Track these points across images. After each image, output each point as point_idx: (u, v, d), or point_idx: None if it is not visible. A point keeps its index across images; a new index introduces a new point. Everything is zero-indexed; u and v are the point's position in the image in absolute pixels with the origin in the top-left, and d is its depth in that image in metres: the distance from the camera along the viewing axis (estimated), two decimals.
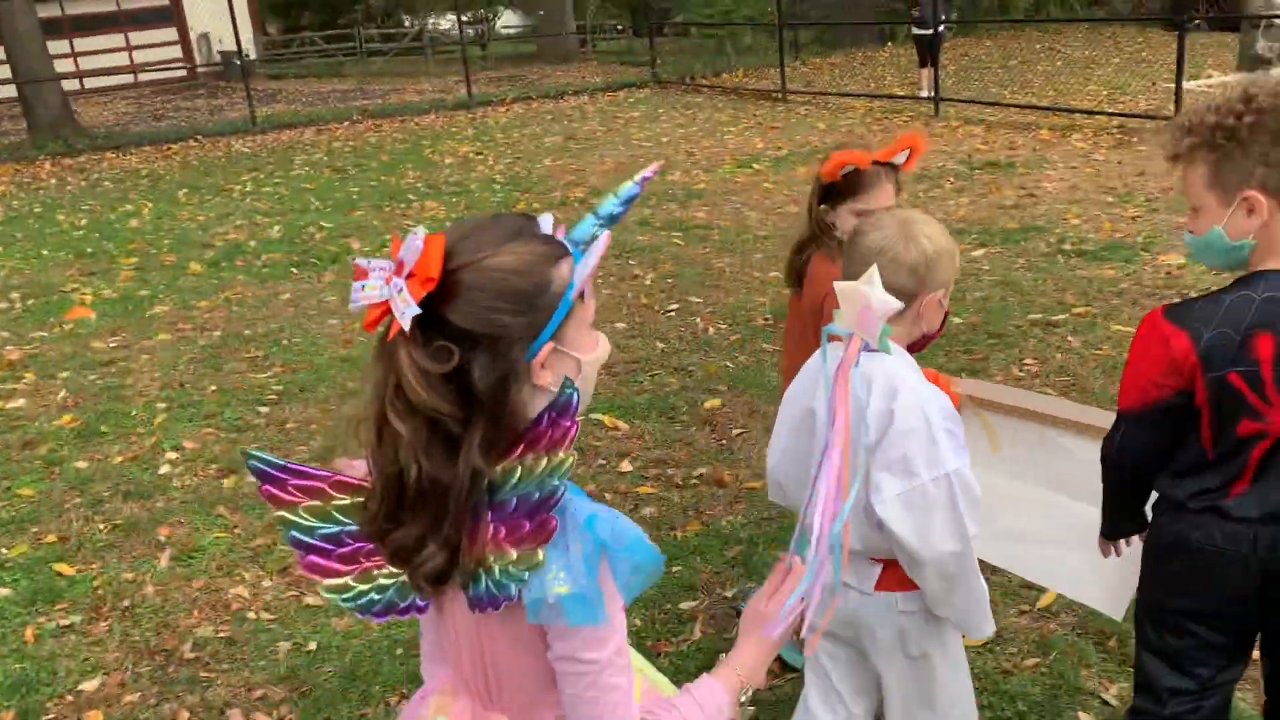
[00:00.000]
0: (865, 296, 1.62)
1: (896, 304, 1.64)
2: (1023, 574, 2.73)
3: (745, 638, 1.40)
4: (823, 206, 2.46)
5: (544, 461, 1.13)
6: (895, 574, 1.89)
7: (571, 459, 1.14)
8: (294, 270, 7.68)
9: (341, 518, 1.27)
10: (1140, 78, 13.96)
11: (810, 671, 2.16)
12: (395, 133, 14.99)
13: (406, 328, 1.09)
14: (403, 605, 1.28)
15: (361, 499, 1.25)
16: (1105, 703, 2.63)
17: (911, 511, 1.75)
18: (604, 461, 4.25)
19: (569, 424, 1.13)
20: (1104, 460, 1.90)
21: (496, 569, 1.14)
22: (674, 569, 3.35)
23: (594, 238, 1.20)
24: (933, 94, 12.99)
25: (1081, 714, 2.60)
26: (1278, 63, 10.60)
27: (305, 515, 1.27)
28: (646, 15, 23.15)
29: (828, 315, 1.84)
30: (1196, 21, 17.33)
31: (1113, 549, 2.06)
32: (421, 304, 1.09)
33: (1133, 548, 2.03)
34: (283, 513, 1.28)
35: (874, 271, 1.65)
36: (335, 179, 11.43)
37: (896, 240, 1.84)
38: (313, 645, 3.18)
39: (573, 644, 1.17)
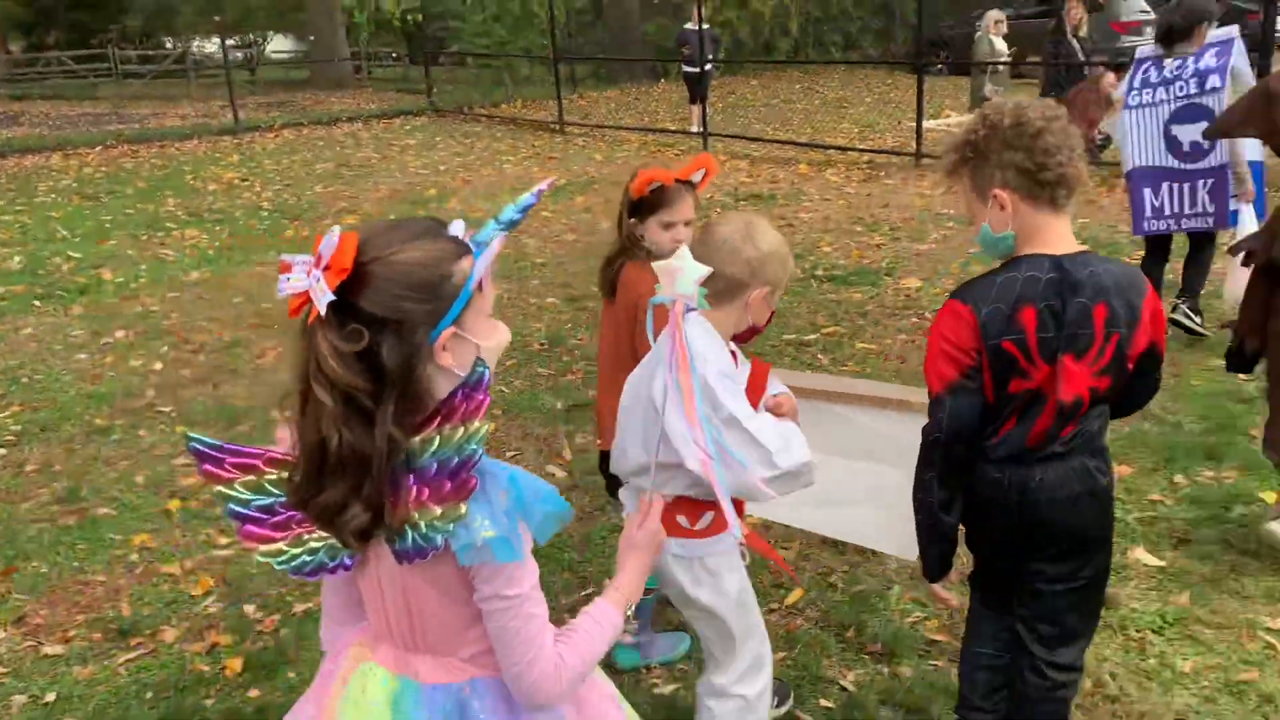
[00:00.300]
0: (678, 267, 1.91)
1: (705, 269, 1.91)
2: (829, 534, 3.11)
3: (623, 564, 1.64)
4: (632, 220, 2.73)
5: (460, 430, 1.32)
6: (668, 516, 2.10)
7: (487, 427, 1.33)
8: (37, 303, 7.15)
9: (274, 489, 1.44)
10: (888, 116, 15.12)
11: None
12: (154, 158, 14.20)
13: (323, 312, 1.26)
14: (331, 565, 1.44)
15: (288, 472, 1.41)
16: (844, 689, 2.85)
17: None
18: None
19: (482, 397, 1.33)
20: (933, 442, 2.06)
21: (423, 524, 1.32)
22: None
23: (507, 224, 1.40)
24: (702, 129, 13.57)
25: (823, 700, 2.81)
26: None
27: (241, 489, 1.44)
28: (422, 44, 22.99)
29: (642, 313, 2.22)
30: (937, 66, 18.97)
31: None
32: (336, 292, 1.26)
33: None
34: (221, 488, 1.44)
35: (684, 249, 1.97)
36: (85, 206, 10.70)
37: (739, 235, 2.16)
38: (51, 696, 2.98)
39: (496, 584, 1.37)
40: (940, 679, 2.82)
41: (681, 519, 2.20)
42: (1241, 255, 3.54)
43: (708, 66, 14.24)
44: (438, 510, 1.31)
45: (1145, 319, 2.01)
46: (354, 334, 1.27)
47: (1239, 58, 5.04)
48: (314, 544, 1.44)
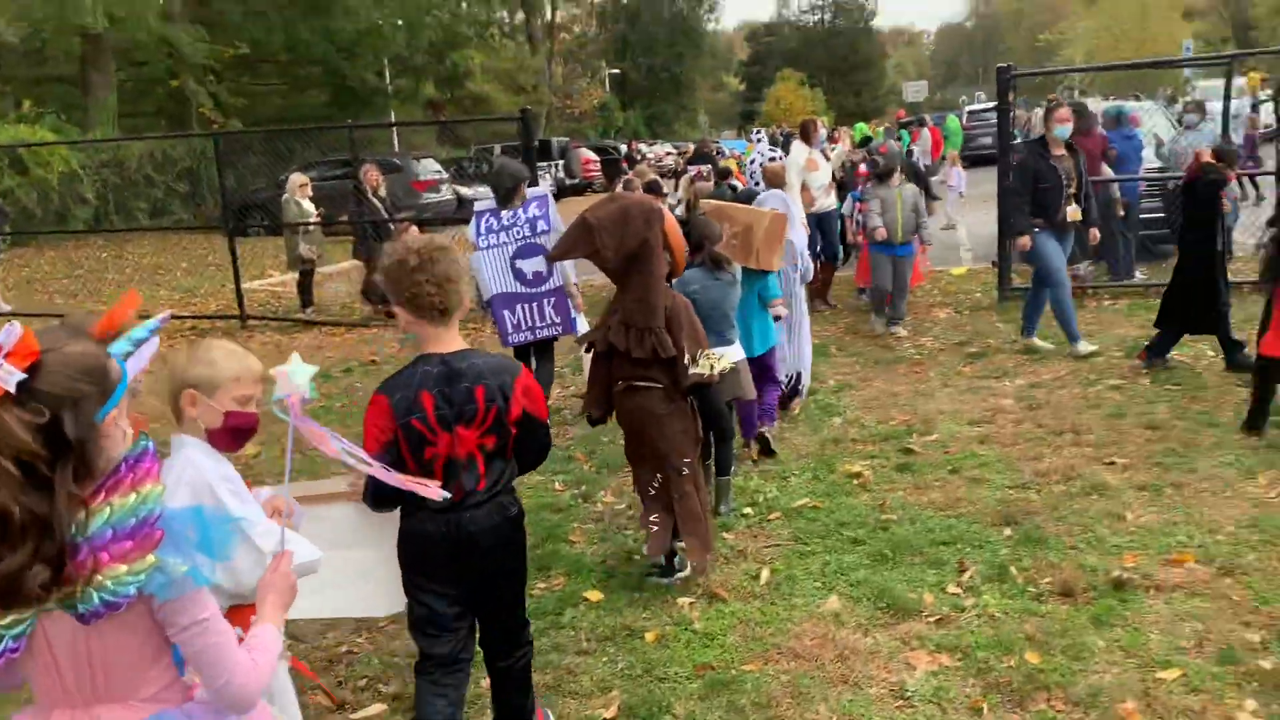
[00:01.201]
0: (284, 370, 2.18)
1: (312, 368, 2.20)
2: (327, 615, 3.53)
3: (262, 601, 1.95)
4: None
5: (134, 496, 1.57)
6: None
7: (162, 488, 1.61)
8: None
9: None
10: (209, 280, 14.78)
11: None
12: None
13: (12, 391, 1.48)
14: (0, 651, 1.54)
15: None
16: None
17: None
18: None
19: (149, 465, 1.60)
20: (370, 502, 2.74)
21: (109, 583, 1.53)
22: None
23: (128, 353, 1.65)
24: None
25: None
26: (320, 262, 12.23)
27: None
28: None
29: None
30: (255, 229, 19.06)
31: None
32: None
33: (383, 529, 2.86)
34: None
35: (294, 356, 2.24)
36: None
37: (183, 355, 2.47)
38: None
39: (192, 611, 1.63)
40: None
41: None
42: (586, 344, 4.29)
43: None
44: (124, 567, 1.54)
45: (518, 393, 2.74)
46: (38, 410, 1.50)
47: (554, 208, 6.47)
48: None
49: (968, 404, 6.42)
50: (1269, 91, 21.17)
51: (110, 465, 1.58)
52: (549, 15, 50.60)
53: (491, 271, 6.38)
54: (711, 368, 4.00)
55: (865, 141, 13.62)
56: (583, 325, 6.47)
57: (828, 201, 9.81)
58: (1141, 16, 50.71)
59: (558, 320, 6.45)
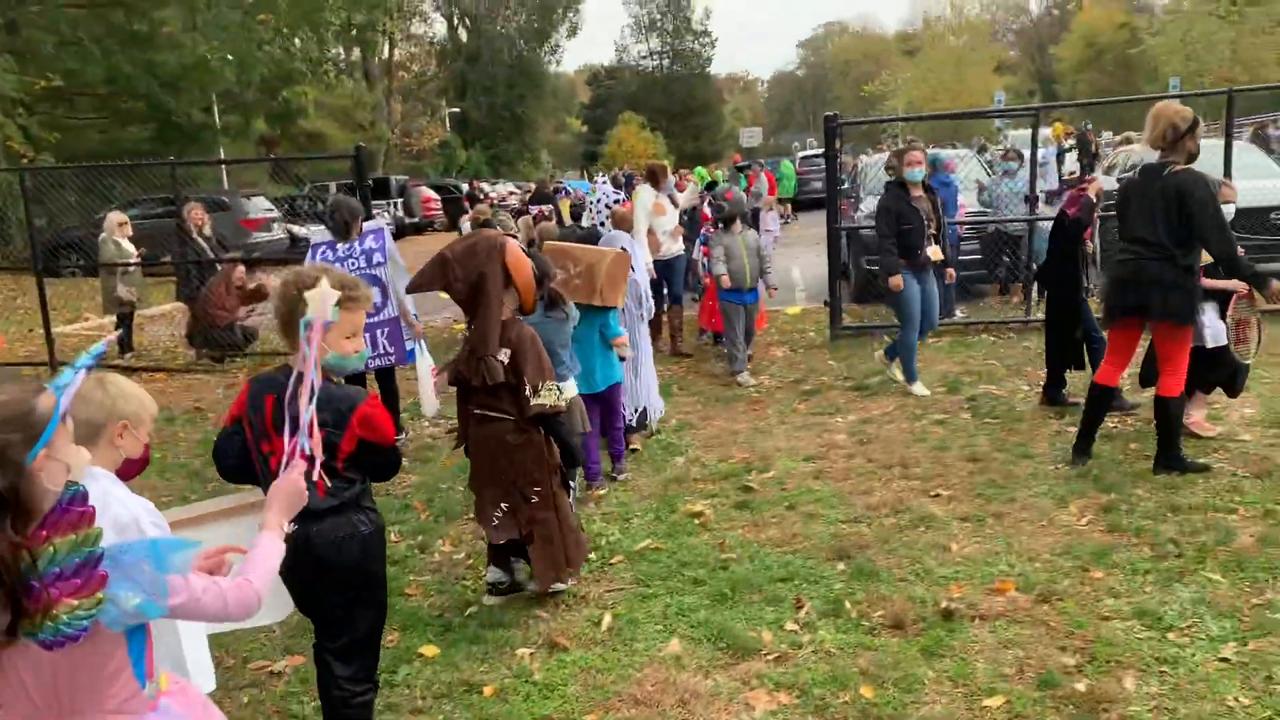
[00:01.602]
0: (320, 295, 2.61)
1: (336, 293, 2.65)
2: (226, 631, 3.39)
3: (270, 509, 2.25)
4: None
5: (73, 538, 1.65)
6: None
7: (99, 530, 1.69)
8: None
9: None
10: (17, 324, 13.78)
11: None
12: None
13: None
14: None
15: None
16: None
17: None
18: None
19: (82, 509, 1.68)
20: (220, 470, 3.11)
21: (64, 616, 1.63)
22: None
23: (68, 384, 1.74)
24: None
25: None
26: (140, 304, 11.60)
27: None
28: None
29: None
30: (72, 270, 17.90)
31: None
32: None
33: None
34: None
35: (324, 280, 2.69)
36: None
37: (89, 384, 2.33)
38: None
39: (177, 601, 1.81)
40: None
41: None
42: (445, 374, 4.35)
43: None
44: (75, 603, 1.62)
45: (353, 424, 2.88)
46: None
47: (389, 241, 6.75)
48: None
49: (803, 440, 6.58)
50: (1071, 141, 22.84)
51: (52, 498, 1.67)
52: (387, 53, 50.01)
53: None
54: (556, 398, 4.13)
55: (711, 186, 13.78)
56: (420, 356, 6.81)
57: (675, 247, 9.74)
58: (957, 70, 54.04)
59: (391, 350, 6.68)
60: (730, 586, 4.33)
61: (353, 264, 6.50)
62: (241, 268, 10.15)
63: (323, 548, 2.85)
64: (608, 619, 4.15)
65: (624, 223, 8.82)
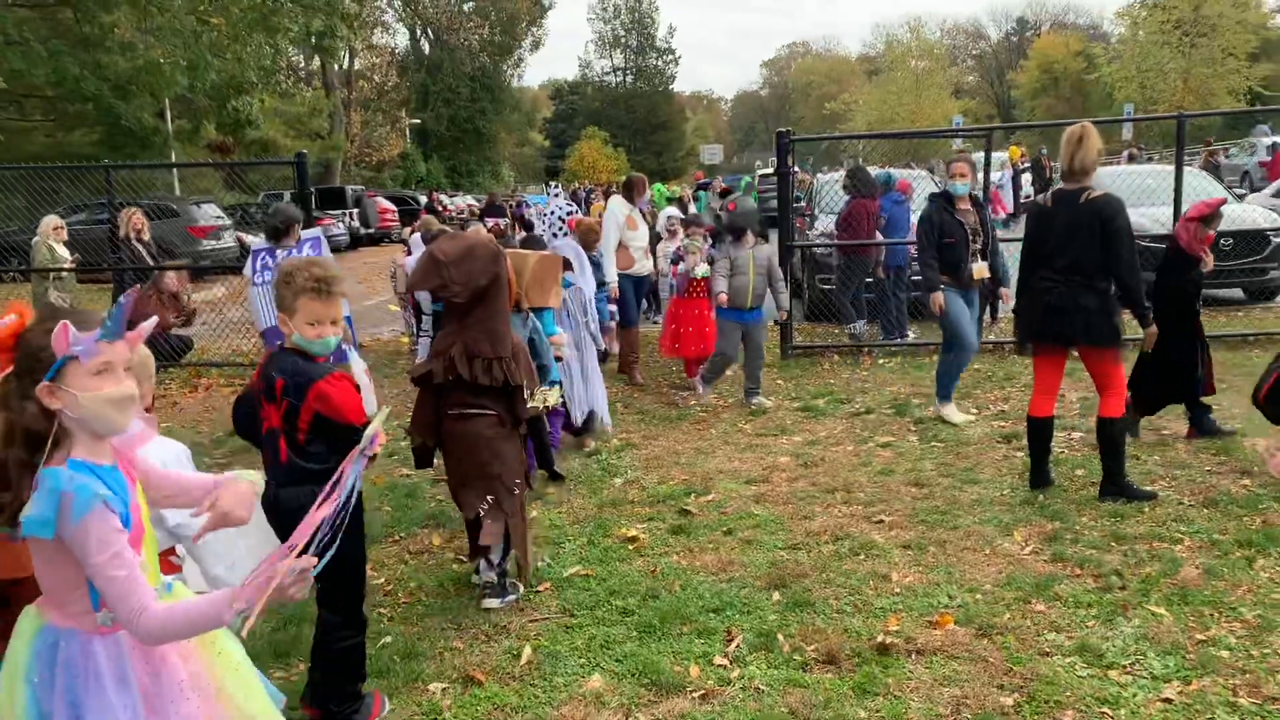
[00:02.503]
0: (378, 421, 2.55)
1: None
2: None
3: (242, 595, 2.09)
4: None
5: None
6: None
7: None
8: None
9: None
10: None
11: None
12: None
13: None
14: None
15: None
16: None
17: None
18: None
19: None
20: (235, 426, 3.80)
21: (23, 518, 2.02)
22: None
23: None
24: None
25: None
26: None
27: None
28: None
29: None
30: (13, 275, 17.36)
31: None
32: None
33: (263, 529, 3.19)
34: None
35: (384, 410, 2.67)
36: None
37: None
38: None
39: (85, 552, 2.03)
40: None
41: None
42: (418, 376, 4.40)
43: None
44: (28, 508, 2.02)
45: (310, 396, 3.14)
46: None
47: (325, 247, 7.00)
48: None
49: (746, 462, 6.40)
50: (1027, 163, 23.05)
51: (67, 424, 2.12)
52: (347, 63, 49.53)
53: (265, 306, 6.71)
54: (545, 401, 4.47)
55: (670, 202, 13.45)
56: (354, 358, 6.67)
57: (646, 264, 9.21)
58: (916, 93, 54.56)
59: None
60: (660, 617, 4.12)
61: None
62: (171, 275, 9.81)
63: (285, 515, 3.09)
64: (528, 651, 3.92)
65: (591, 233, 8.60)
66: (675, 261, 9.11)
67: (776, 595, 4.31)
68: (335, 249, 28.30)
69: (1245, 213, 11.99)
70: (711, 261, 8.21)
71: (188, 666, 2.23)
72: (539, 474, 5.68)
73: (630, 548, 5.00)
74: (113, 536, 2.04)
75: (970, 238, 6.89)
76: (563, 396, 6.04)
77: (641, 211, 9.45)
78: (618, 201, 9.12)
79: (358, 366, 6.99)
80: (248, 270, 6.99)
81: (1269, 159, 24.35)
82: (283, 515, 3.12)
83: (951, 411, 7.09)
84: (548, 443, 4.75)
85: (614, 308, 8.95)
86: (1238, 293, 11.88)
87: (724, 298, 7.62)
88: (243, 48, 22.25)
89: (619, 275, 8.76)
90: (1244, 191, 19.09)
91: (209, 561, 3.37)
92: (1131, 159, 21.08)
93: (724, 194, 22.21)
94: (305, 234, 7.02)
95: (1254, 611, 3.89)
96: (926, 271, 6.83)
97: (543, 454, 4.89)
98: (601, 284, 9.00)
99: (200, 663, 2.26)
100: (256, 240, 8.12)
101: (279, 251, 6.87)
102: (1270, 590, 4.07)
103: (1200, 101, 43.52)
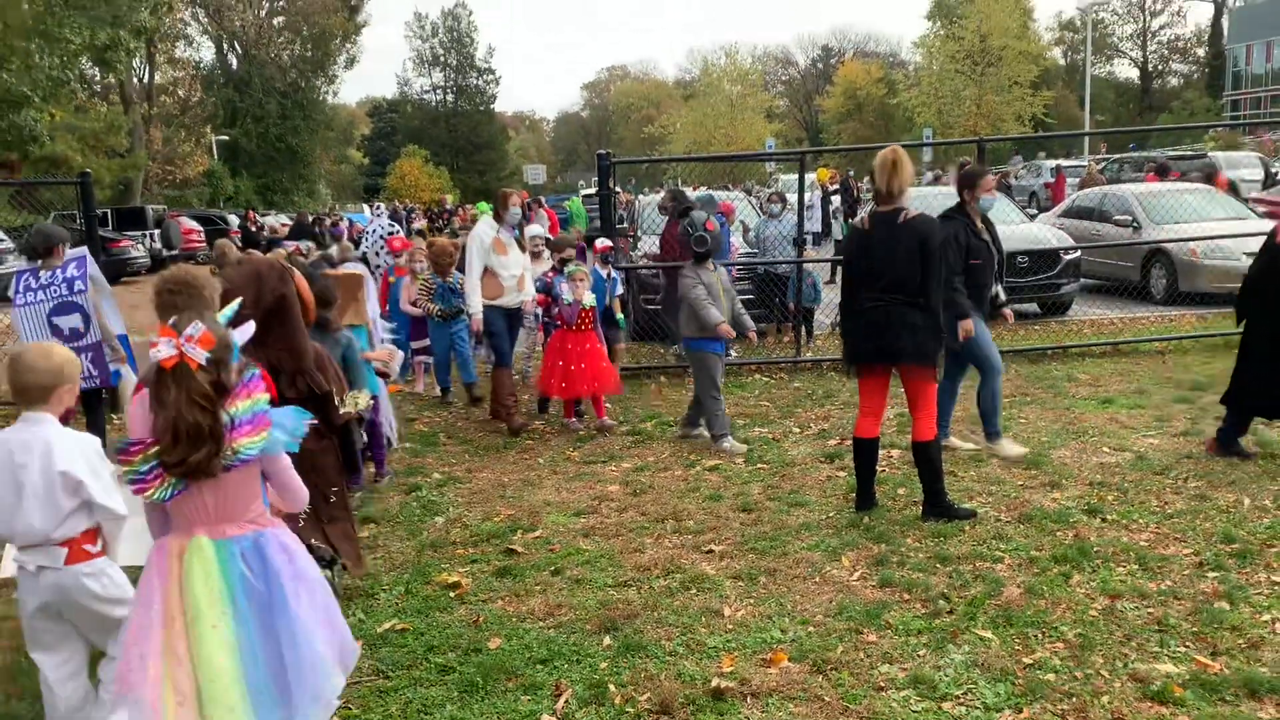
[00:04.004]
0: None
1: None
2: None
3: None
4: None
5: (249, 402, 2.78)
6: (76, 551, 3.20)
7: (266, 396, 2.84)
8: None
9: (152, 459, 2.70)
10: None
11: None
12: None
13: (202, 362, 2.69)
14: (170, 495, 2.73)
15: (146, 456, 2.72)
16: None
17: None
18: None
19: (255, 383, 2.82)
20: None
21: (243, 449, 2.74)
22: None
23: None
24: None
25: None
26: None
27: (138, 464, 2.70)
28: None
29: None
30: None
31: None
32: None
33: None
34: (127, 468, 2.71)
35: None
36: None
37: (33, 354, 3.21)
38: None
39: (276, 465, 2.91)
40: None
41: (89, 546, 3.21)
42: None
43: None
44: (248, 440, 2.75)
45: None
46: (211, 365, 2.72)
47: (93, 266, 6.81)
48: (166, 486, 2.72)
49: (575, 492, 6.19)
50: (836, 184, 23.86)
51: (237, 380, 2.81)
52: (146, 76, 46.71)
53: (29, 327, 6.62)
54: (355, 405, 4.55)
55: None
56: (125, 376, 7.01)
57: (518, 296, 7.83)
58: (731, 116, 56.01)
59: (95, 373, 6.76)
60: (483, 674, 3.84)
61: (54, 291, 6.66)
62: None
63: None
64: None
65: (443, 257, 8.29)
66: (544, 290, 8.01)
67: (607, 640, 4.10)
68: (135, 272, 26.52)
69: (1038, 232, 12.73)
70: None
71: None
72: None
73: (452, 595, 4.69)
74: None
75: (992, 258, 6.37)
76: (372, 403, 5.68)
77: (518, 236, 8.23)
78: (485, 223, 7.87)
79: (129, 383, 6.76)
80: (10, 291, 6.80)
81: (1053, 180, 26.16)
82: None
83: (1008, 446, 6.41)
84: (355, 449, 4.79)
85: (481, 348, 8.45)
86: (1033, 307, 12.55)
87: (727, 329, 6.89)
88: (21, 59, 20.52)
89: (485, 306, 7.62)
90: (1034, 211, 20.34)
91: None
92: (937, 180, 22.15)
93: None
94: (70, 253, 6.81)
95: (1074, 630, 3.95)
96: (957, 297, 6.05)
97: (349, 460, 4.76)
98: (457, 314, 8.39)
99: None
100: (14, 263, 7.78)
101: (42, 273, 6.70)
102: (1087, 606, 4.16)
103: (991, 126, 46.46)
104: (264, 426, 2.75)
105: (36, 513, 3.09)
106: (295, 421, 2.85)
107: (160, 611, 2.72)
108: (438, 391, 9.27)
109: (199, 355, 2.65)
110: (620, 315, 9.26)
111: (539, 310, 8.39)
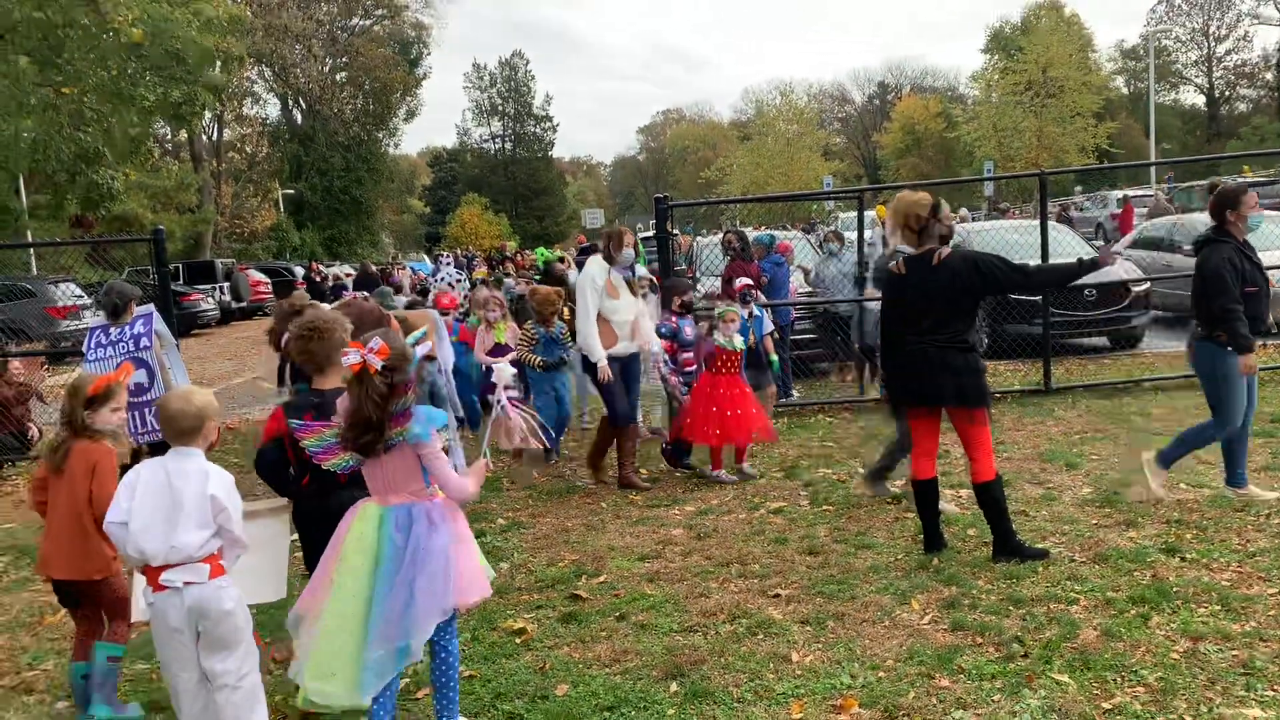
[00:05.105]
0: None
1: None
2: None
3: (475, 473, 3.84)
4: (86, 411, 4.13)
5: (403, 399, 3.49)
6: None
7: (413, 395, 3.55)
8: None
9: (334, 437, 3.69)
10: None
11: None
12: None
13: (379, 368, 3.43)
14: (349, 466, 3.75)
15: (335, 430, 3.64)
16: None
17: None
18: None
19: (408, 386, 3.52)
20: (259, 471, 4.07)
21: (399, 435, 3.49)
22: None
23: (414, 343, 3.62)
24: None
25: None
26: None
27: (326, 436, 3.75)
28: None
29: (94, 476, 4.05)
30: None
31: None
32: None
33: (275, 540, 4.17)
34: (309, 439, 3.79)
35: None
36: None
37: (181, 395, 3.66)
38: None
39: (426, 452, 3.55)
40: None
41: (223, 563, 3.57)
42: None
43: None
44: (397, 430, 3.46)
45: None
46: (388, 372, 3.44)
47: (159, 322, 7.12)
48: (344, 459, 3.73)
49: (639, 537, 6.18)
50: None
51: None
52: (215, 134, 48.29)
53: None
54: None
55: (548, 267, 12.57)
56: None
57: (628, 344, 7.29)
58: (788, 155, 56.12)
59: (158, 428, 7.32)
60: None
61: (122, 347, 6.96)
62: (16, 362, 9.15)
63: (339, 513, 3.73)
64: None
65: (547, 304, 8.05)
66: (670, 336, 7.73)
67: (674, 686, 4.08)
68: (205, 325, 27.29)
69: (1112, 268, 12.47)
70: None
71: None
72: None
73: (518, 641, 4.70)
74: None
75: (1268, 285, 5.80)
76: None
77: (629, 277, 7.53)
78: (596, 264, 7.30)
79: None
80: (85, 347, 7.16)
81: (1119, 211, 25.72)
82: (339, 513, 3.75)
83: (1258, 492, 5.91)
84: None
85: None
86: (1104, 340, 12.31)
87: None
88: (103, 120, 21.33)
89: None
90: (1100, 243, 20.02)
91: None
92: (1004, 214, 21.92)
93: (583, 250, 21.12)
94: (138, 310, 7.17)
95: (1155, 674, 3.83)
96: (1239, 327, 5.49)
97: None
98: (560, 365, 8.13)
99: None
100: (90, 320, 8.22)
101: (113, 330, 7.05)
102: (1168, 649, 4.03)
103: (1053, 158, 45.94)
104: (407, 419, 3.46)
105: (192, 531, 3.45)
106: (431, 417, 3.54)
107: (332, 553, 3.58)
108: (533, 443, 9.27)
109: (376, 363, 3.39)
110: (775, 356, 8.41)
111: (666, 357, 7.66)
